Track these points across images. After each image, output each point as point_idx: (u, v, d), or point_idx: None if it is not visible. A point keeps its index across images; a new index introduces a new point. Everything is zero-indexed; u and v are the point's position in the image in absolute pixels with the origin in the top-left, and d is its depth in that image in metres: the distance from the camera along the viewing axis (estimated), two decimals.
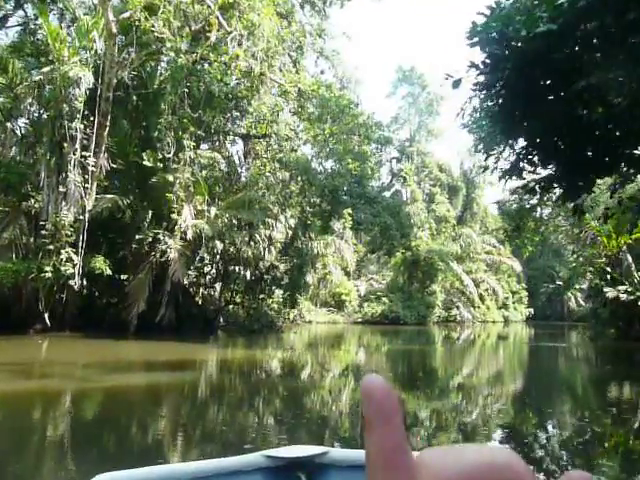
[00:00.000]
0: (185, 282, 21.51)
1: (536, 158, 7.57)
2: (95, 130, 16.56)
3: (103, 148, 16.99)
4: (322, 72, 23.18)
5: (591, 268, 26.45)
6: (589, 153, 6.80)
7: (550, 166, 7.66)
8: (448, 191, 57.56)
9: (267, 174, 21.36)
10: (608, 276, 23.00)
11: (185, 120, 17.02)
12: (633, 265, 22.69)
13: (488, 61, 6.70)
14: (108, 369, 10.71)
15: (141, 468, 1.97)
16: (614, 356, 19.22)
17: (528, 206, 27.95)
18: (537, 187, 7.62)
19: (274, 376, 11.58)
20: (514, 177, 7.99)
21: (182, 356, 13.92)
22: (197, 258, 19.40)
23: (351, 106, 19.16)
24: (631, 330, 21.37)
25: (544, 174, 8.14)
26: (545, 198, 28.31)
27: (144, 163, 17.33)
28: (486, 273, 54.35)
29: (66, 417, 6.67)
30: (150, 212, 19.37)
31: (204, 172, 18.61)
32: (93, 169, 16.54)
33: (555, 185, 7.50)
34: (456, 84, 7.45)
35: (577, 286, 28.06)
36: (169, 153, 17.25)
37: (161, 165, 17.95)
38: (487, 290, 53.19)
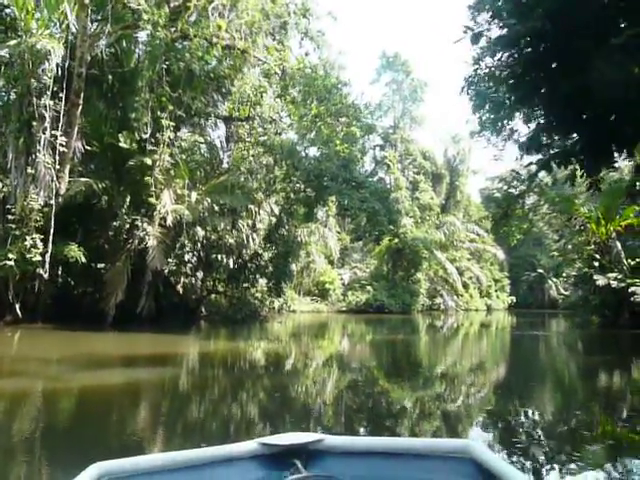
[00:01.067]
0: (165, 271, 20.66)
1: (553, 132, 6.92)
2: (67, 108, 15.54)
3: (76, 129, 15.97)
4: (307, 54, 22.29)
5: (576, 255, 26.25)
6: (615, 123, 6.16)
7: (570, 138, 7.00)
8: (432, 179, 57.23)
9: (250, 158, 20.51)
10: (596, 263, 22.77)
11: (163, 99, 16.06)
12: (622, 252, 22.46)
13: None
14: (82, 365, 9.89)
15: (136, 457, 1.98)
16: (604, 344, 18.91)
17: (516, 193, 27.58)
18: (554, 162, 6.96)
19: (261, 371, 10.86)
20: (534, 151, 7.32)
21: (162, 349, 13.11)
22: (177, 245, 18.50)
23: (339, 86, 18.38)
24: (620, 318, 21.16)
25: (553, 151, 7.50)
26: (533, 185, 27.99)
27: (120, 145, 16.35)
28: (470, 261, 54.39)
29: (28, 425, 5.82)
30: (128, 197, 18.42)
31: (184, 155, 17.68)
32: (64, 149, 15.51)
33: (573, 160, 6.84)
34: (475, 38, 6.78)
35: (564, 274, 27.68)
36: (146, 134, 16.26)
37: (139, 147, 16.95)
38: (471, 278, 53.26)
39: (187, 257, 22.38)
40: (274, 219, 23.19)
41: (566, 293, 64.23)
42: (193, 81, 17.38)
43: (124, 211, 17.96)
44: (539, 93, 6.51)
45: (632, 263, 21.92)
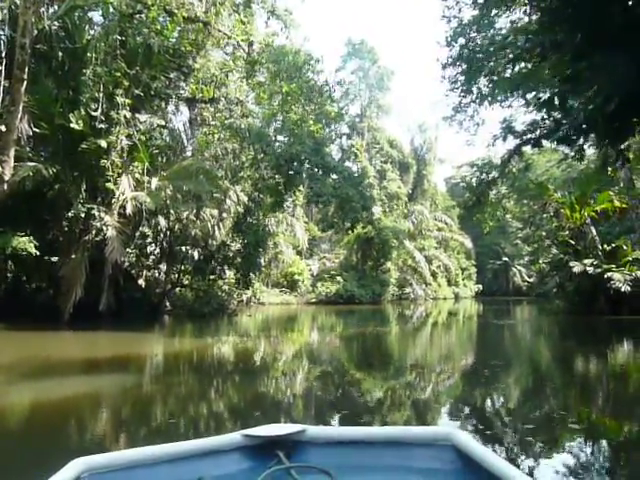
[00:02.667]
0: (126, 263, 19.36)
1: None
2: (9, 84, 14.04)
3: (21, 107, 14.45)
4: (274, 34, 21.12)
5: (548, 242, 26.05)
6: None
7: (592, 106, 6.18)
8: (399, 168, 56.92)
9: (215, 143, 19.29)
10: (571, 249, 22.54)
11: (118, 74, 14.69)
12: (597, 238, 22.25)
13: None
14: (28, 372, 8.67)
15: (118, 451, 1.98)
16: (581, 330, 18.59)
17: (489, 179, 27.16)
18: (571, 132, 6.14)
19: (232, 371, 9.81)
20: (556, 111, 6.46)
21: (124, 350, 11.89)
22: (138, 236, 17.20)
23: (311, 62, 17.30)
24: (596, 304, 20.91)
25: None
26: (506, 171, 27.64)
27: (72, 126, 14.92)
28: (438, 250, 54.40)
29: None
30: (82, 185, 17.02)
31: (143, 137, 16.33)
32: (5, 129, 14.00)
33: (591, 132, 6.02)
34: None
35: (540, 260, 27.49)
36: (97, 111, 14.83)
37: (92, 129, 15.53)
38: (439, 267, 53.28)
39: (149, 248, 21.11)
40: (241, 208, 22.04)
41: (530, 280, 65.39)
42: (152, 58, 16.06)
43: (79, 199, 16.56)
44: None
45: (608, 248, 21.72)
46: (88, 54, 14.76)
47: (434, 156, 63.45)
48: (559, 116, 26.11)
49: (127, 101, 15.05)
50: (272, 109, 18.08)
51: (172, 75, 18.62)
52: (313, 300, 38.81)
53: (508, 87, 16.31)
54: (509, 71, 21.63)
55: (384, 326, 21.17)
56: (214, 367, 10.31)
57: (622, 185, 24.45)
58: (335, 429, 2.50)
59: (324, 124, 17.84)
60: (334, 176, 19.82)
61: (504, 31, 22.08)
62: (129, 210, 15.88)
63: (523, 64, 16.67)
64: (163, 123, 18.25)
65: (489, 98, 24.49)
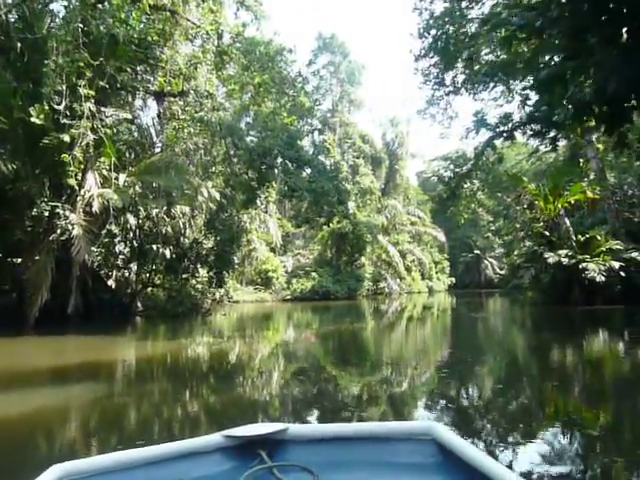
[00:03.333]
0: (94, 264, 18.62)
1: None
2: None
3: None
4: (244, 25, 20.54)
5: (523, 234, 26.16)
6: None
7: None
8: (371, 163, 56.87)
9: (185, 137, 18.65)
10: (545, 241, 22.62)
11: (81, 64, 13.95)
12: (571, 229, 22.37)
13: None
14: None
15: (97, 456, 1.95)
16: (557, 321, 18.63)
17: (463, 172, 27.14)
18: (568, 116, 5.85)
19: (209, 375, 9.33)
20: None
21: (94, 355, 11.27)
22: (105, 234, 16.49)
23: (283, 53, 16.80)
24: (571, 295, 21.01)
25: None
26: (480, 163, 27.67)
27: (33, 121, 14.14)
28: (411, 244, 54.56)
29: None
30: (46, 182, 16.23)
31: (109, 131, 15.59)
32: None
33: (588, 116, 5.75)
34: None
35: (515, 252, 27.61)
36: (60, 104, 14.06)
37: (55, 123, 14.74)
38: (413, 261, 53.43)
39: (119, 248, 20.38)
40: (214, 205, 21.43)
41: (502, 272, 66.26)
42: (117, 49, 15.34)
43: (42, 198, 15.77)
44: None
45: (582, 239, 21.84)
46: (49, 44, 13.98)
47: (406, 151, 63.61)
48: (532, 109, 26.19)
49: (91, 93, 14.30)
50: (244, 102, 17.52)
51: (139, 67, 17.91)
52: (288, 297, 38.42)
53: (500, 69, 15.90)
54: (491, 56, 21.45)
55: (360, 322, 20.93)
56: (189, 370, 9.80)
57: (594, 176, 24.67)
58: (317, 427, 2.50)
59: (298, 116, 17.37)
60: (308, 170, 19.41)
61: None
62: (96, 208, 15.17)
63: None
64: (130, 117, 17.53)
65: (467, 85, 24.33)
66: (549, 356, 10.58)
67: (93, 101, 14.63)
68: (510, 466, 3.93)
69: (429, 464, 2.04)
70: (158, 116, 19.95)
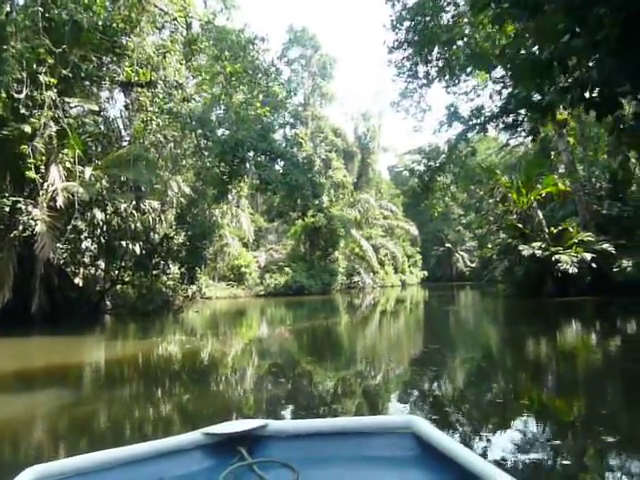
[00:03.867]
0: (60, 261, 17.88)
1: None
2: None
3: None
4: (214, 14, 19.97)
5: (496, 227, 26.30)
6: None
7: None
8: (343, 157, 56.67)
9: (154, 128, 18.01)
10: (517, 233, 22.75)
11: (42, 50, 13.23)
12: (544, 221, 22.52)
13: None
14: None
15: (73, 457, 1.90)
16: (531, 313, 18.74)
17: (437, 165, 27.11)
18: (568, 97, 5.58)
19: (180, 375, 8.90)
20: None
21: (59, 357, 10.69)
22: (70, 230, 15.79)
23: (255, 41, 16.30)
24: (544, 287, 21.18)
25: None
26: (454, 157, 27.68)
27: None
28: (384, 238, 54.64)
29: None
30: (6, 176, 15.47)
31: (72, 120, 14.88)
32: None
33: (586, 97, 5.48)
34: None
35: (489, 245, 27.75)
36: (19, 93, 13.32)
37: (14, 113, 13.99)
38: (386, 255, 53.51)
39: (85, 244, 19.63)
40: (184, 199, 20.85)
41: (473, 265, 67.14)
42: (80, 36, 14.64)
43: (3, 192, 15.01)
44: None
45: (555, 231, 22.01)
46: (8, 29, 13.23)
47: (378, 144, 63.62)
48: (507, 100, 26.28)
49: (52, 81, 13.59)
50: (214, 92, 16.94)
51: (105, 57, 17.18)
52: (262, 292, 37.96)
53: (479, 57, 15.58)
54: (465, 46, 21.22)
55: (335, 317, 20.70)
56: (161, 371, 9.35)
57: (565, 169, 24.92)
58: (297, 422, 2.39)
59: (271, 107, 16.91)
60: (282, 163, 18.99)
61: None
62: (60, 202, 14.48)
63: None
64: (96, 108, 16.82)
65: (443, 76, 24.17)
66: (524, 348, 10.59)
67: (55, 90, 13.91)
68: (485, 457, 3.94)
69: (408, 457, 2.06)
70: (125, 107, 19.26)
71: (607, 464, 4.18)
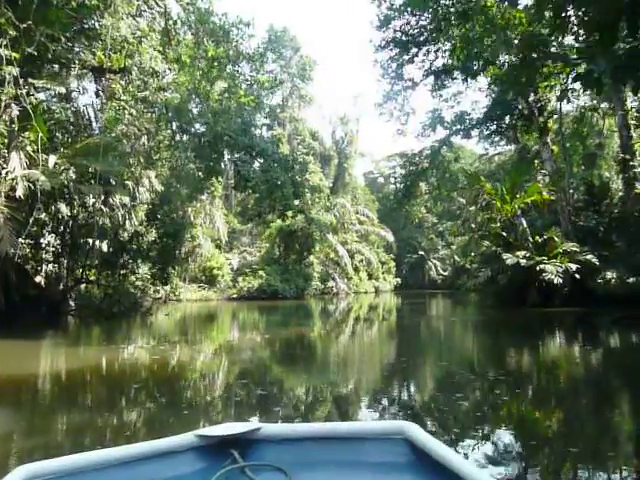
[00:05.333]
0: (19, 257, 16.53)
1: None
2: None
3: None
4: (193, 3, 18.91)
5: (477, 235, 25.84)
6: None
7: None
8: (320, 160, 56.03)
9: (127, 118, 16.85)
10: (501, 241, 22.25)
11: (2, 21, 12.00)
12: (528, 229, 22.06)
13: None
14: None
15: (65, 457, 1.89)
16: (514, 324, 18.09)
17: (419, 170, 26.56)
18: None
19: (148, 389, 7.83)
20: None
21: (10, 366, 9.37)
22: (31, 222, 14.50)
23: (239, 26, 15.28)
24: (527, 297, 20.67)
25: None
26: (437, 162, 27.17)
27: None
28: (360, 244, 54.12)
29: None
30: None
31: (36, 101, 13.65)
32: None
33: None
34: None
35: (472, 253, 27.23)
36: None
37: None
38: (361, 261, 52.95)
39: (48, 239, 18.30)
40: (156, 195, 19.66)
41: (445, 273, 67.29)
42: (48, 12, 13.46)
43: None
44: None
45: (539, 240, 21.56)
46: None
47: (355, 149, 63.25)
48: (489, 107, 25.90)
49: (15, 55, 12.37)
50: (194, 78, 15.83)
51: (75, 39, 15.98)
52: (234, 296, 36.84)
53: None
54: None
55: (309, 324, 19.67)
56: (126, 384, 8.21)
57: (549, 178, 24.59)
58: (290, 426, 2.31)
59: (256, 95, 15.91)
60: (261, 160, 18.01)
61: None
62: (20, 192, 13.20)
63: None
64: (64, 90, 15.56)
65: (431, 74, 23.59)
66: (505, 361, 10.05)
67: (18, 69, 12.67)
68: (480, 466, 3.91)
69: (401, 463, 2.05)
70: (96, 95, 18.03)
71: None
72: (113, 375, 9.00)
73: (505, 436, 5.26)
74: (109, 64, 16.93)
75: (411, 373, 8.87)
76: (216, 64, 14.92)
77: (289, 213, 18.52)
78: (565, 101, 29.39)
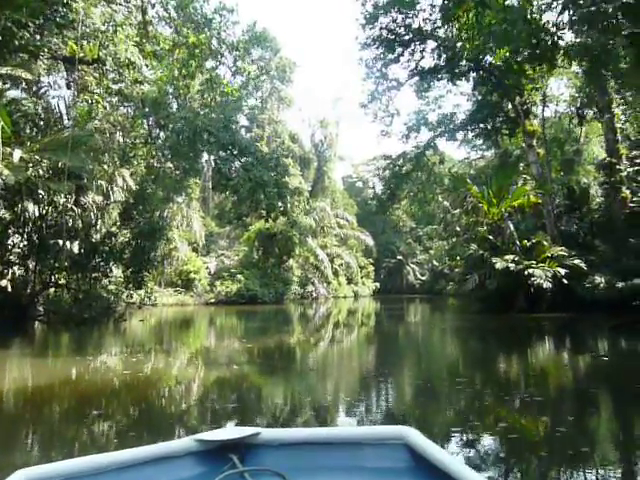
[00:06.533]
0: None
1: None
2: None
3: None
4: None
5: (463, 238, 25.37)
6: None
7: None
8: (300, 163, 55.38)
9: (101, 111, 15.84)
10: (488, 245, 21.76)
11: None
12: (515, 233, 21.60)
13: None
14: None
15: (63, 461, 1.88)
16: (504, 331, 17.48)
17: (403, 172, 26.02)
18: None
19: (121, 409, 6.94)
20: None
21: None
22: None
23: (222, 12, 14.39)
24: (515, 302, 20.20)
25: None
26: (422, 164, 26.64)
27: None
28: (340, 248, 53.59)
29: None
30: None
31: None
32: None
33: None
34: None
35: (458, 257, 26.74)
36: None
37: None
38: (341, 265, 52.38)
39: (13, 240, 17.13)
40: (131, 195, 18.63)
41: (423, 278, 67.23)
42: None
43: None
44: None
45: (528, 244, 21.12)
46: None
47: (334, 153, 62.81)
48: (475, 108, 25.51)
49: None
50: (173, 68, 14.85)
51: (45, 25, 14.93)
52: (212, 300, 35.77)
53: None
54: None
55: (289, 330, 18.82)
56: (97, 401, 7.28)
57: (535, 181, 24.25)
58: (289, 431, 2.31)
59: (241, 87, 15.04)
60: (243, 159, 17.14)
61: None
62: None
63: None
64: (30, 77, 14.47)
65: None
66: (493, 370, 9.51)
67: None
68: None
69: (401, 469, 2.03)
70: (68, 86, 16.96)
71: None
72: (77, 394, 7.85)
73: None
74: (81, 54, 15.94)
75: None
76: (197, 51, 14.02)
77: (272, 214, 17.58)
78: (547, 106, 29.35)
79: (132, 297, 19.69)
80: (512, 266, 19.53)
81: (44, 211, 16.52)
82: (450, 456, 1.85)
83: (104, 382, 8.65)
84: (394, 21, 21.61)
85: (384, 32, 22.09)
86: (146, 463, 1.91)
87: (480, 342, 14.63)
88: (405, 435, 2.07)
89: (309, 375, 9.23)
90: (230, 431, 2.12)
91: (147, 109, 15.38)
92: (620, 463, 4.74)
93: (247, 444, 2.05)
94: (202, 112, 14.80)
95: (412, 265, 70.23)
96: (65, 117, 18.20)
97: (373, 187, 76.79)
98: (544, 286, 19.06)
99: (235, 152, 16.42)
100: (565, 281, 19.68)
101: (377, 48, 22.97)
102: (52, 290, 19.25)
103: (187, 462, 1.98)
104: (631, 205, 20.82)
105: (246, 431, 2.09)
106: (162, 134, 16.57)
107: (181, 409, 6.88)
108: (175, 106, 16.12)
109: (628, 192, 21.72)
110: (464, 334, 16.68)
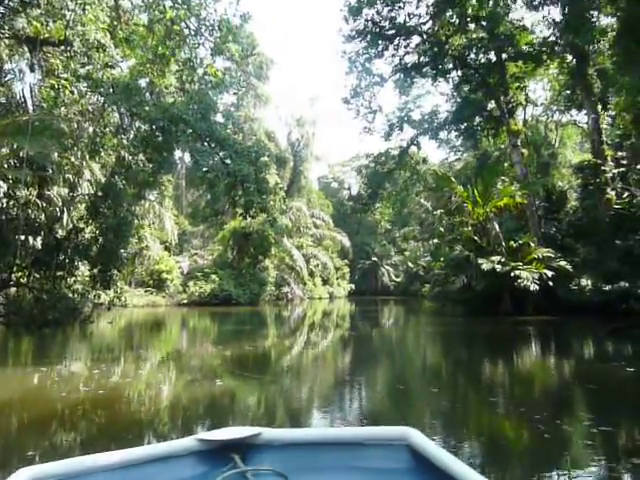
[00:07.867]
0: None
1: None
2: None
3: None
4: None
5: (448, 238, 24.78)
6: None
7: None
8: (276, 162, 54.39)
9: (67, 97, 14.66)
10: (473, 246, 21.19)
11: None
12: (501, 234, 21.07)
13: None
14: None
15: (66, 460, 1.88)
16: (501, 338, 16.51)
17: (385, 170, 25.33)
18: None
19: (89, 429, 5.92)
20: None
21: None
22: None
23: None
24: (500, 305, 19.65)
25: None
26: (404, 162, 25.99)
27: None
28: (316, 248, 52.86)
29: None
30: None
31: None
32: None
33: None
34: None
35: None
36: None
37: None
38: (317, 266, 51.64)
39: None
40: (100, 186, 17.45)
41: (397, 280, 67.04)
42: None
43: None
44: None
45: (514, 245, 20.60)
46: None
47: (311, 152, 62.14)
48: (459, 105, 24.96)
49: None
50: (147, 51, 13.73)
51: (5, 2, 13.71)
52: (184, 301, 34.55)
53: None
54: None
55: (265, 334, 17.89)
56: (64, 422, 6.20)
57: (518, 182, 23.84)
58: (291, 431, 2.26)
59: (225, 71, 14.02)
60: (222, 153, 16.11)
61: None
62: None
63: None
64: None
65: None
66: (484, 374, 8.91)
67: None
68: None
69: (403, 470, 2.01)
70: (31, 70, 15.69)
71: None
72: (47, 400, 6.82)
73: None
74: (46, 34, 14.73)
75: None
76: (176, 27, 12.88)
77: (251, 211, 16.60)
78: (525, 108, 29.07)
79: (100, 297, 18.43)
80: (498, 267, 18.96)
81: (3, 203, 15.21)
82: (452, 457, 1.81)
83: (51, 405, 6.99)
84: (379, 13, 20.88)
85: (369, 24, 21.34)
86: (148, 462, 1.90)
87: (485, 352, 13.22)
88: (407, 436, 2.05)
89: (293, 399, 7.90)
90: (232, 431, 2.10)
91: (118, 95, 14.24)
92: None
93: (249, 444, 2.05)
94: (179, 99, 13.75)
95: (387, 267, 70.09)
96: (30, 103, 16.92)
97: (349, 188, 76.41)
98: (530, 288, 18.54)
99: (213, 145, 15.38)
100: (551, 283, 19.22)
101: (361, 41, 22.24)
102: (13, 289, 17.88)
103: (189, 462, 1.98)
104: (616, 207, 20.49)
105: (248, 431, 2.08)
106: (135, 124, 15.43)
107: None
108: (149, 94, 15.01)
109: (613, 194, 21.44)
110: (461, 342, 15.34)
